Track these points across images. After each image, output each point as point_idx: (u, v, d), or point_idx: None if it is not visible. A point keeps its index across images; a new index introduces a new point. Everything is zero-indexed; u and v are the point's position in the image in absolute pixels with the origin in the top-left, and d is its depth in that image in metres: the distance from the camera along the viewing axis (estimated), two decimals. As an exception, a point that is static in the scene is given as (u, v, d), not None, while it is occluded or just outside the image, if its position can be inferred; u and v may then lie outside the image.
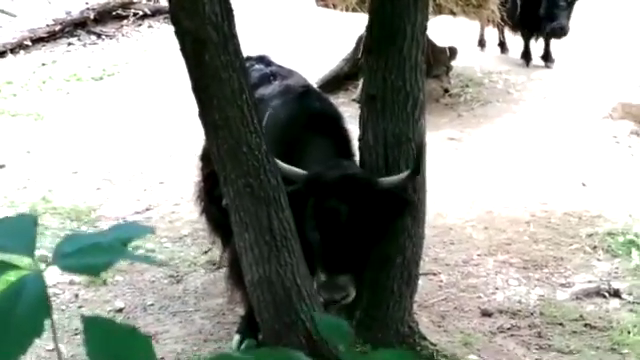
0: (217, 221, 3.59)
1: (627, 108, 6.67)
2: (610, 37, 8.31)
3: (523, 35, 8.04)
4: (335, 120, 3.23)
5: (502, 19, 7.03)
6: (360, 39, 6.88)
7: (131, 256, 1.00)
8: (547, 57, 8.02)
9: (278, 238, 2.72)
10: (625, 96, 6.84)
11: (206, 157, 3.56)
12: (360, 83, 6.60)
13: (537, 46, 8.13)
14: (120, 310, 3.90)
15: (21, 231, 0.99)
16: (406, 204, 2.91)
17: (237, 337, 3.49)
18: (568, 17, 7.47)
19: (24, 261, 0.95)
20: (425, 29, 2.97)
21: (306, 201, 2.83)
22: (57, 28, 9.58)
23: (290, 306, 2.77)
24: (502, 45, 8.48)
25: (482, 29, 8.38)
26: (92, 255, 0.94)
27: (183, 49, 2.60)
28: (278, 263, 2.74)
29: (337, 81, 7.31)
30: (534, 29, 7.85)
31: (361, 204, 2.74)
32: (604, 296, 3.89)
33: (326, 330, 1.21)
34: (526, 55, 8.08)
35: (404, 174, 2.89)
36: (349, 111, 6.65)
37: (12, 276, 0.93)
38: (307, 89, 3.45)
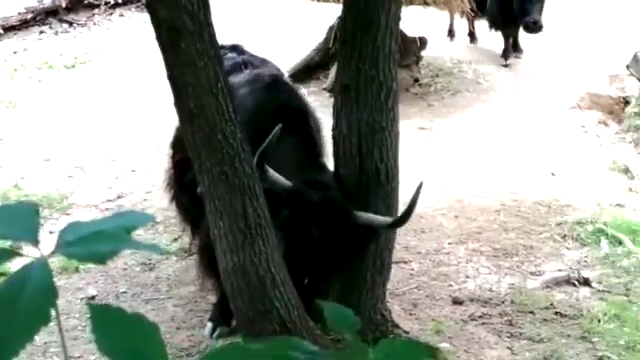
0: (187, 209, 3.59)
1: (595, 98, 6.79)
2: (578, 28, 8.41)
3: (503, 32, 7.98)
4: (303, 114, 3.21)
5: (472, 10, 7.09)
6: (331, 29, 6.90)
7: (137, 244, 1.01)
8: (516, 47, 8.02)
9: (252, 226, 2.72)
10: (593, 86, 6.96)
11: (176, 145, 3.56)
12: (331, 72, 6.64)
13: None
14: (92, 298, 3.90)
15: (23, 219, 0.99)
16: (374, 235, 2.97)
17: (210, 325, 3.52)
18: (540, 11, 7.49)
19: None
20: (399, 19, 2.99)
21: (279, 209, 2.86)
22: (29, 16, 9.57)
23: (264, 294, 2.79)
24: (472, 35, 8.49)
25: (452, 19, 8.39)
26: (97, 243, 0.94)
27: (159, 37, 2.57)
28: (252, 251, 2.75)
29: (308, 70, 7.31)
30: (513, 26, 7.79)
31: (334, 232, 2.81)
32: (574, 284, 3.93)
33: (333, 319, 1.22)
34: (505, 52, 7.96)
35: (386, 220, 2.94)
36: (320, 100, 6.70)
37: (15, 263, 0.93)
38: (276, 79, 3.43)
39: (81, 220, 1.14)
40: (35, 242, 0.96)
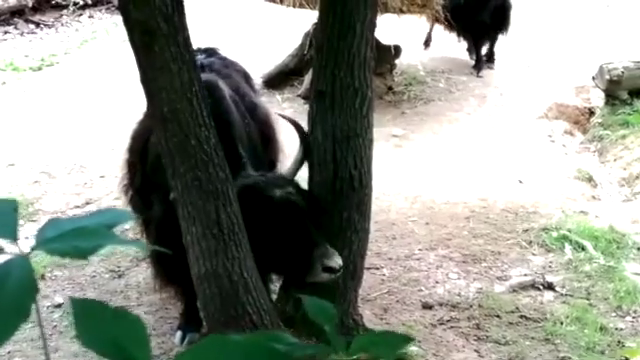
0: (140, 212, 3.51)
1: (562, 108, 6.95)
2: (547, 41, 8.58)
3: (472, 42, 8.12)
4: (225, 124, 3.02)
5: (445, 18, 7.18)
6: (307, 35, 6.92)
7: (119, 240, 1.00)
8: (490, 58, 8.14)
9: (226, 232, 2.71)
10: (560, 97, 7.13)
11: (132, 148, 3.51)
12: (306, 79, 6.66)
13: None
14: (59, 305, 3.82)
15: (1, 215, 0.98)
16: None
17: (179, 333, 3.49)
18: (489, 12, 7.65)
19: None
20: (374, 27, 3.02)
21: None
22: (-7, 16, 9.30)
23: (237, 299, 2.78)
24: (427, 42, 8.57)
25: (430, 29, 8.42)
26: (78, 239, 0.93)
27: (132, 40, 2.55)
28: (225, 257, 2.73)
29: (282, 77, 7.32)
30: (481, 35, 7.95)
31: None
32: (539, 289, 4.03)
33: (312, 311, 1.23)
34: (477, 63, 8.06)
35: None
36: (294, 107, 6.72)
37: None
38: (211, 85, 3.13)
39: (60, 217, 1.12)
40: (14, 238, 0.95)
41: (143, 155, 3.26)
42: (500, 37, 8.01)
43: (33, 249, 0.94)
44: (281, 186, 2.91)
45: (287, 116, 3.41)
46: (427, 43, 8.61)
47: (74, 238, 0.94)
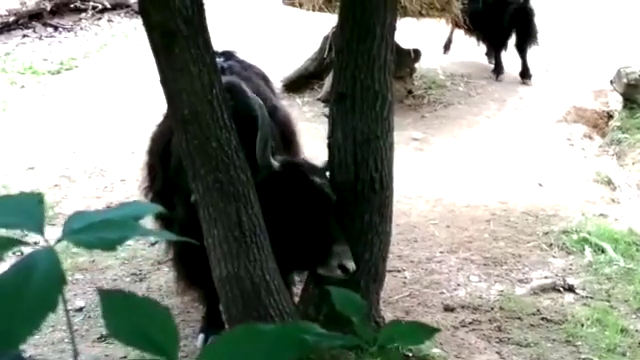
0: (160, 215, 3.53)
1: (580, 112, 6.92)
2: (565, 45, 8.55)
3: (491, 46, 8.04)
4: (250, 120, 2.96)
5: (465, 22, 7.16)
6: (326, 39, 6.93)
7: (145, 231, 0.99)
8: (525, 73, 7.77)
9: (247, 234, 2.71)
10: (578, 101, 7.11)
11: (151, 150, 3.52)
12: (326, 82, 6.66)
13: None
14: (80, 309, 3.80)
15: (28, 208, 0.98)
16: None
17: (201, 336, 3.48)
18: (509, 16, 7.49)
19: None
20: (394, 30, 3.01)
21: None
22: (11, 19, 9.30)
23: (259, 301, 2.77)
24: (447, 46, 8.52)
25: (450, 34, 8.37)
26: (105, 230, 0.93)
27: (152, 42, 2.54)
28: (247, 259, 2.73)
29: (302, 80, 7.33)
30: (500, 39, 7.79)
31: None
32: (559, 291, 4.02)
33: (340, 303, 1.23)
34: (497, 68, 7.94)
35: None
36: (314, 110, 6.73)
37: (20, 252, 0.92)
38: (234, 86, 3.15)
39: (85, 209, 1.12)
40: (40, 231, 0.95)
41: (164, 157, 3.27)
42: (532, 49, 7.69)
43: (59, 240, 0.94)
44: (320, 175, 2.96)
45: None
46: (447, 47, 8.56)
47: (100, 230, 0.94)
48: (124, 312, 0.89)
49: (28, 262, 0.89)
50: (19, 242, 0.94)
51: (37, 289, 0.86)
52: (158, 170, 3.37)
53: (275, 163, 2.87)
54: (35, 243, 0.97)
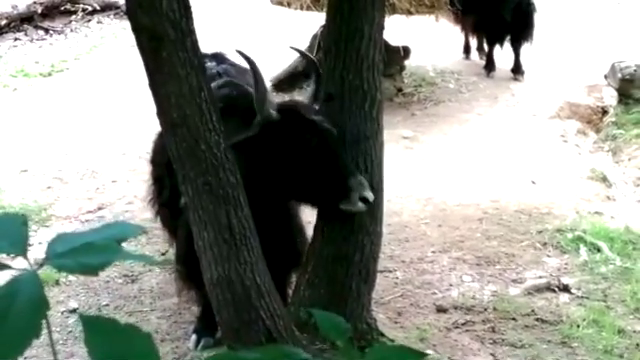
0: (168, 223, 3.57)
1: (574, 108, 6.90)
2: (558, 39, 8.53)
3: (485, 39, 7.94)
4: (244, 97, 3.10)
5: (455, 20, 7.13)
6: (315, 37, 6.91)
7: (129, 255, 0.99)
8: (518, 69, 7.70)
9: (237, 237, 2.70)
10: (572, 96, 7.08)
11: (155, 160, 3.53)
12: (315, 82, 6.64)
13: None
14: (74, 310, 3.82)
15: (11, 230, 0.97)
16: None
17: (194, 337, 3.48)
18: (510, 10, 7.35)
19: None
20: (382, 28, 3.00)
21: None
22: (2, 22, 9.35)
23: (250, 304, 2.76)
24: (467, 50, 8.38)
25: (467, 37, 8.21)
26: (88, 254, 0.92)
27: (140, 45, 2.54)
28: (237, 261, 2.72)
29: (291, 79, 7.32)
30: (497, 33, 7.65)
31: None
32: (554, 291, 3.98)
33: (324, 326, 1.21)
34: (488, 64, 7.87)
35: None
36: (304, 110, 6.69)
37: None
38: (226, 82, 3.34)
39: (69, 231, 1.11)
40: (24, 254, 0.94)
41: (169, 166, 3.25)
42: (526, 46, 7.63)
43: (41, 265, 0.93)
44: (317, 114, 2.98)
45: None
46: (467, 51, 8.36)
47: (83, 254, 0.94)
48: (106, 338, 0.88)
49: (11, 287, 0.88)
50: (2, 266, 0.93)
51: (20, 315, 0.86)
52: (165, 180, 3.36)
53: (273, 113, 2.91)
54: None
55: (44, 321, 0.86)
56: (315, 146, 2.87)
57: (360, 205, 2.87)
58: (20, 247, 0.95)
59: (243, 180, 2.73)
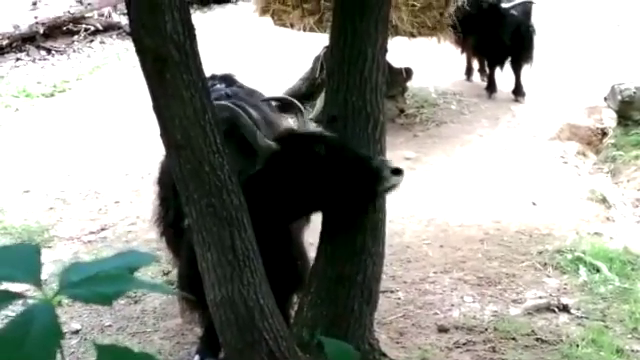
0: (173, 243, 3.58)
1: (574, 129, 6.94)
2: (558, 61, 8.58)
3: (487, 65, 8.01)
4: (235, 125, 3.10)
5: (456, 42, 7.18)
6: (317, 59, 6.97)
7: (142, 284, 1.00)
8: (518, 91, 7.74)
9: (241, 258, 2.70)
10: (572, 118, 7.12)
11: (161, 181, 3.56)
12: (317, 103, 6.69)
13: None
14: (76, 332, 3.84)
15: (25, 260, 0.98)
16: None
17: (197, 358, 3.49)
18: (509, 32, 7.40)
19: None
20: (386, 51, 3.03)
21: None
22: (4, 43, 9.33)
23: (253, 325, 2.76)
24: (469, 72, 8.46)
25: (469, 59, 8.29)
26: (101, 284, 0.94)
27: (143, 67, 2.54)
28: (241, 283, 2.73)
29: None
30: (497, 55, 7.72)
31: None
32: (554, 311, 4.00)
33: (333, 353, 1.22)
34: (490, 86, 7.94)
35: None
36: (306, 130, 6.72)
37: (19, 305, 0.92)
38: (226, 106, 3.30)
39: (83, 261, 1.13)
40: (37, 284, 0.96)
41: (176, 188, 3.27)
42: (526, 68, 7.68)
43: (56, 294, 0.94)
44: (310, 125, 3.09)
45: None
46: (469, 74, 8.43)
47: (97, 283, 0.95)
48: None
49: (26, 317, 0.89)
50: (17, 296, 0.95)
51: (35, 344, 0.87)
52: (171, 201, 3.38)
53: (272, 143, 2.92)
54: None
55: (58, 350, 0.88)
56: (326, 154, 2.88)
57: (395, 178, 2.87)
58: (34, 276, 0.97)
59: (257, 208, 2.74)
